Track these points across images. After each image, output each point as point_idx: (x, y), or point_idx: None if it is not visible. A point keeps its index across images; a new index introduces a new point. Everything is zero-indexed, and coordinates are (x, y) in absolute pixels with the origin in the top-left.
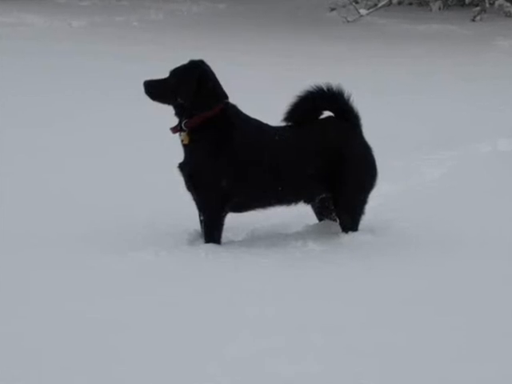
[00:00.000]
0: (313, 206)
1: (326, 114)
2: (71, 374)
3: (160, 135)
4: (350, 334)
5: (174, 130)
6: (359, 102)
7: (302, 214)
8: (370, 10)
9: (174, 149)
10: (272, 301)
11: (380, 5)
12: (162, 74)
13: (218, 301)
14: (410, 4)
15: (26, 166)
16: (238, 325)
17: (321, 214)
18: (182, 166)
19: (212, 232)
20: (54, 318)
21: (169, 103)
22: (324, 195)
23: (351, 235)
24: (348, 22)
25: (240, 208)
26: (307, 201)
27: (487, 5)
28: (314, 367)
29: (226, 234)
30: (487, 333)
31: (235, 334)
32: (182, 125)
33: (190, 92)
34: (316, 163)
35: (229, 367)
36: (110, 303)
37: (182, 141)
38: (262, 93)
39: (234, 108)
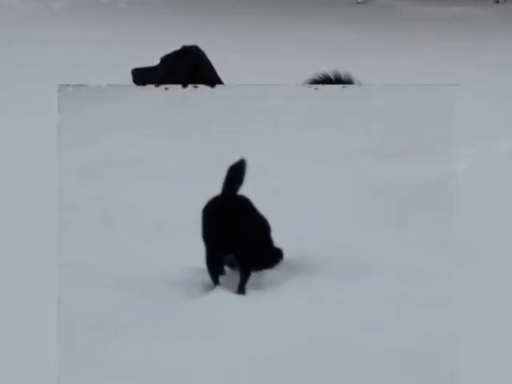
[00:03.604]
0: None
1: None
2: (67, 372)
3: None
4: (349, 339)
5: None
6: None
7: None
8: None
9: None
10: (271, 305)
11: None
12: (153, 62)
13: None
14: None
15: (20, 162)
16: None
17: None
18: None
19: None
20: (48, 318)
21: None
22: None
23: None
24: (358, 3)
25: None
26: None
27: None
28: (313, 372)
29: None
30: (490, 334)
31: (234, 339)
32: None
33: (182, 81)
34: None
35: (226, 373)
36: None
37: None
38: (263, 82)
39: None
